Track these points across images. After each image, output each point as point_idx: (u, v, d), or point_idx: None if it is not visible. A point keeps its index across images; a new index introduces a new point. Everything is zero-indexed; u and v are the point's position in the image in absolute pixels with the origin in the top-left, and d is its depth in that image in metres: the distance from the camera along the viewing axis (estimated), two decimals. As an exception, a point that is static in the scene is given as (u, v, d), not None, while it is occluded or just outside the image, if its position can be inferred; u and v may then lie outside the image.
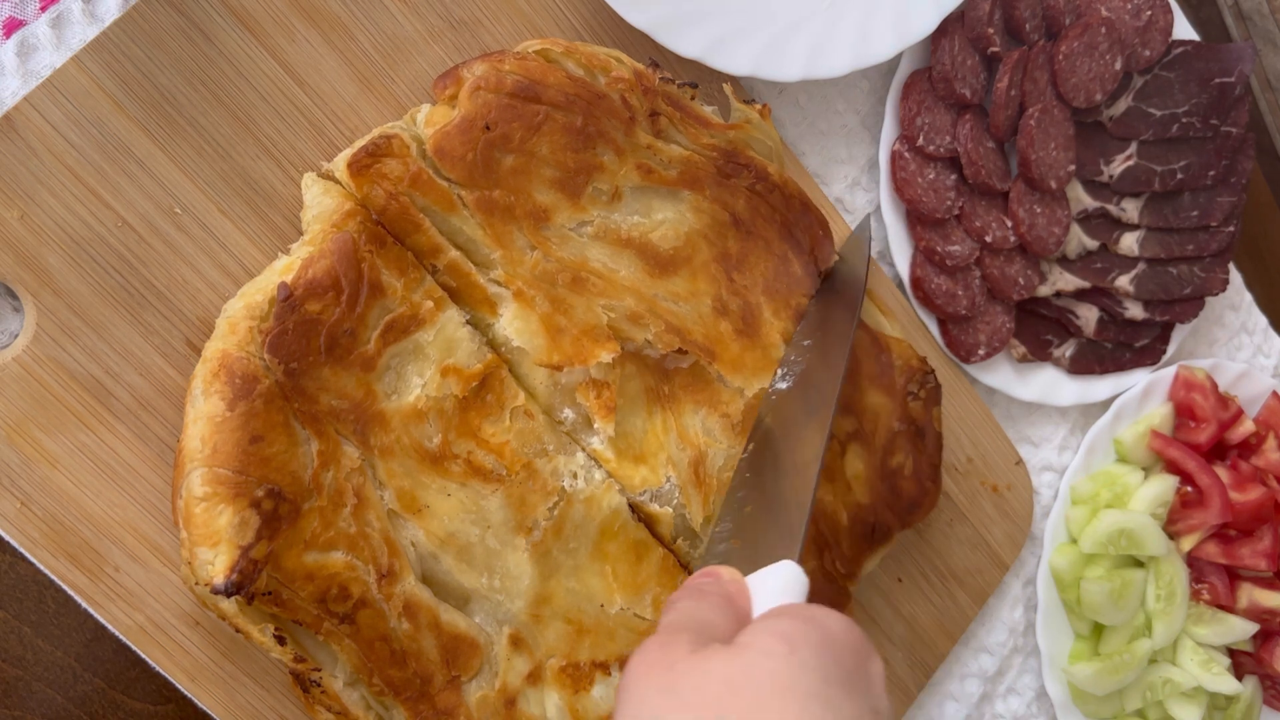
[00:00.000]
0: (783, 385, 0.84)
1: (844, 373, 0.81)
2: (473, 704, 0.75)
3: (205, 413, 0.68)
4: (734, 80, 0.91)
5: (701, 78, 0.90)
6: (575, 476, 0.79)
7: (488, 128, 0.75)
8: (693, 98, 0.84)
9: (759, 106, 0.87)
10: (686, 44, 0.86)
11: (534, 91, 0.76)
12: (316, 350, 0.70)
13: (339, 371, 0.71)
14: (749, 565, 0.65)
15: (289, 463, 0.69)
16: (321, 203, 0.73)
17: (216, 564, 0.67)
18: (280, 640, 0.69)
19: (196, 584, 0.68)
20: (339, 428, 0.71)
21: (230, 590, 0.66)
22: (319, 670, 0.71)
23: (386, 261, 0.73)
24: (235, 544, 0.67)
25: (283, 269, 0.71)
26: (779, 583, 0.62)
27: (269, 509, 0.68)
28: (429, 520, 0.74)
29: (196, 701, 0.75)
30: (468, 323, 0.76)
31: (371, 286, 0.72)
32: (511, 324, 0.77)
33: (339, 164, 0.74)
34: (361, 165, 0.73)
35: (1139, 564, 1.07)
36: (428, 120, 0.76)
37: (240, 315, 0.70)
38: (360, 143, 0.74)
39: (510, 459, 0.77)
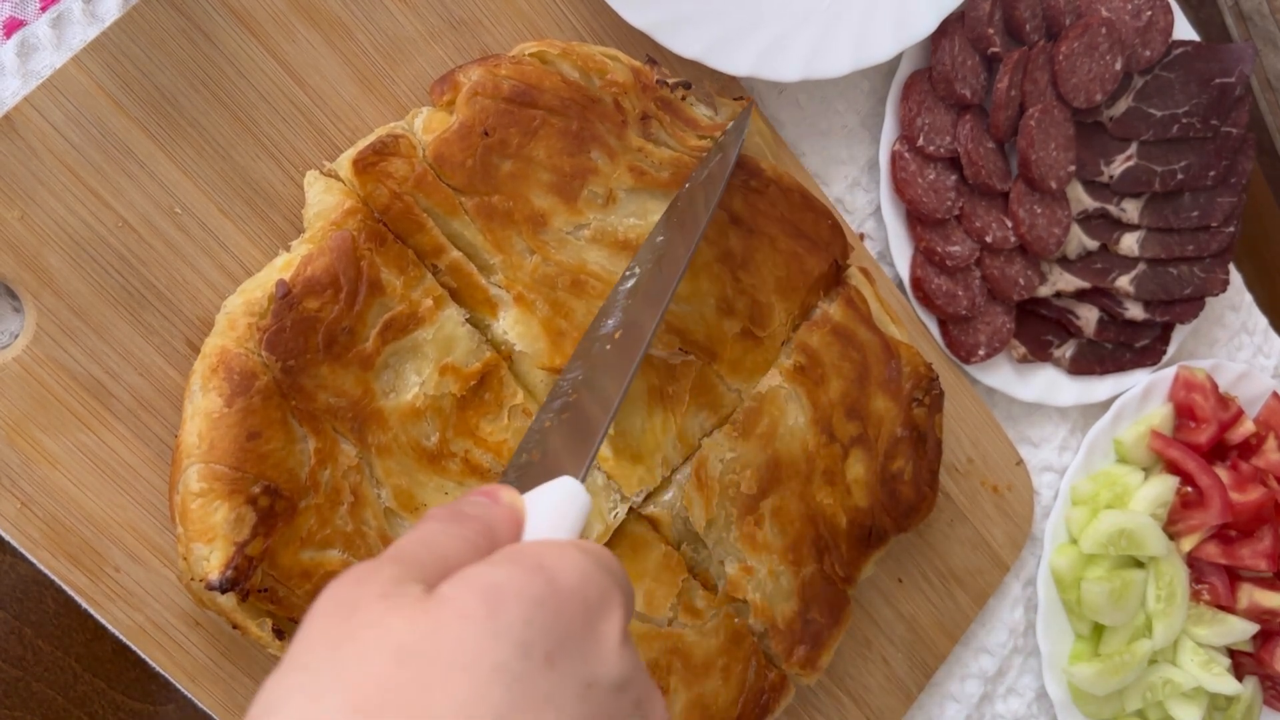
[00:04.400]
0: (627, 285, 0.76)
1: (686, 265, 0.73)
2: None
3: (203, 409, 0.68)
4: (728, 79, 0.91)
5: (699, 78, 0.90)
6: None
7: (486, 133, 0.75)
8: (683, 97, 0.83)
9: (743, 101, 0.86)
10: (686, 44, 0.86)
11: (530, 96, 0.76)
12: (314, 348, 0.70)
13: (337, 369, 0.71)
14: (543, 482, 0.55)
15: (286, 460, 0.69)
16: (323, 200, 0.73)
17: (211, 560, 0.67)
18: (279, 634, 0.69)
19: (192, 580, 0.68)
20: (336, 425, 0.71)
21: (225, 586, 0.66)
22: (319, 666, 0.71)
23: (386, 259, 0.73)
24: (231, 540, 0.67)
25: (282, 266, 0.71)
26: (549, 504, 0.52)
27: (265, 506, 0.68)
28: (427, 519, 0.74)
29: (196, 701, 0.75)
30: (468, 321, 0.76)
31: (370, 284, 0.72)
32: (513, 328, 0.77)
33: (343, 162, 0.74)
34: (367, 163, 0.73)
35: (1139, 564, 1.07)
36: (426, 126, 0.76)
37: (239, 312, 0.70)
38: (366, 140, 0.74)
39: (508, 458, 0.76)
